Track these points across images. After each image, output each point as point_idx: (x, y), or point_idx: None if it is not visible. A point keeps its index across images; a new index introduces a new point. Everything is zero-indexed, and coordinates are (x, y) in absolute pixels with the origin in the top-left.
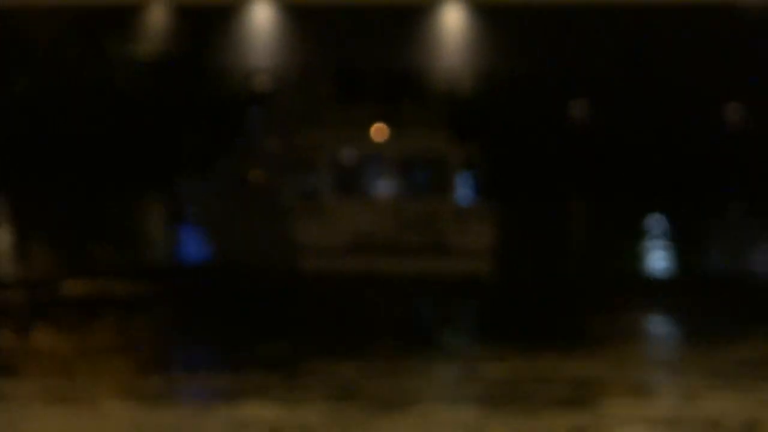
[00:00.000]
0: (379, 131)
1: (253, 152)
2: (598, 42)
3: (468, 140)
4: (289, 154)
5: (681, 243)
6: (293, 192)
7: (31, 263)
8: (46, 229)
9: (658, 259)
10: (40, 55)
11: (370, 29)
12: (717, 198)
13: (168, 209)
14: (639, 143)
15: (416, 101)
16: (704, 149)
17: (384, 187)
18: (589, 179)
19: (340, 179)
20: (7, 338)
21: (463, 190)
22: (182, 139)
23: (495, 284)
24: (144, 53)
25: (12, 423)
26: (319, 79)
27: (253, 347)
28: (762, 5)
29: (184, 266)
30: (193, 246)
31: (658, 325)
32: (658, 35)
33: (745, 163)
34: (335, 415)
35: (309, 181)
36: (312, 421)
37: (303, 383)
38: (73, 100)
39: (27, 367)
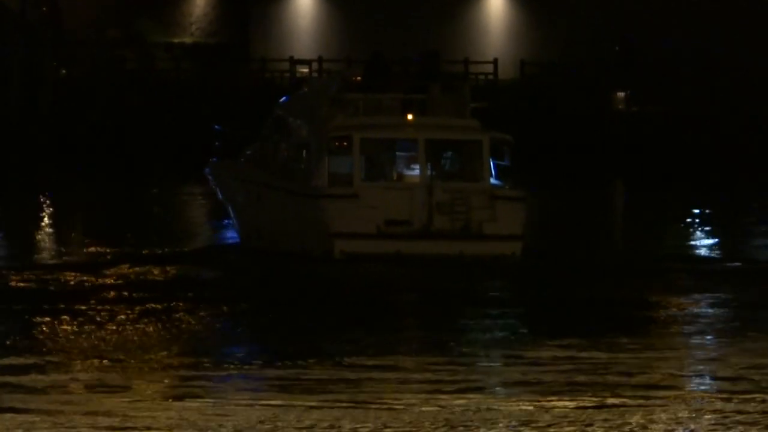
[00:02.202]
0: (411, 117)
1: (282, 136)
2: (641, 26)
3: (503, 125)
4: (320, 139)
5: (723, 229)
6: (325, 177)
7: (74, 248)
8: (88, 214)
9: (699, 246)
10: (81, 39)
11: (407, 17)
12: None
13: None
14: (685, 131)
15: (449, 87)
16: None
17: (415, 172)
18: (630, 166)
19: (371, 164)
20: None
21: (496, 176)
22: (216, 123)
23: (527, 266)
24: (184, 39)
25: None
26: (354, 65)
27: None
28: None
29: (219, 250)
30: (226, 230)
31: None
32: (706, 21)
33: None
34: None
35: (341, 166)
36: None
37: None
38: (112, 86)
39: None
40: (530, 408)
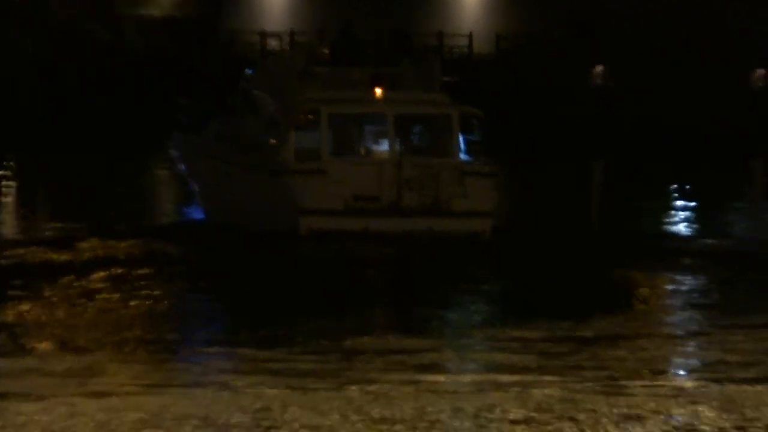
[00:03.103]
0: (380, 91)
1: (248, 110)
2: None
3: (477, 100)
4: (288, 113)
5: (703, 209)
6: (291, 152)
7: (36, 225)
8: (54, 190)
9: (676, 223)
10: (49, 15)
11: None
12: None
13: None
14: (660, 107)
15: (419, 61)
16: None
17: (384, 147)
18: (607, 142)
19: (339, 139)
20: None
21: (467, 151)
22: (181, 98)
23: (497, 243)
24: (154, 13)
25: None
26: (321, 40)
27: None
28: None
29: (184, 227)
30: (191, 206)
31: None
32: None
33: None
34: None
35: (308, 141)
36: None
37: None
38: (80, 60)
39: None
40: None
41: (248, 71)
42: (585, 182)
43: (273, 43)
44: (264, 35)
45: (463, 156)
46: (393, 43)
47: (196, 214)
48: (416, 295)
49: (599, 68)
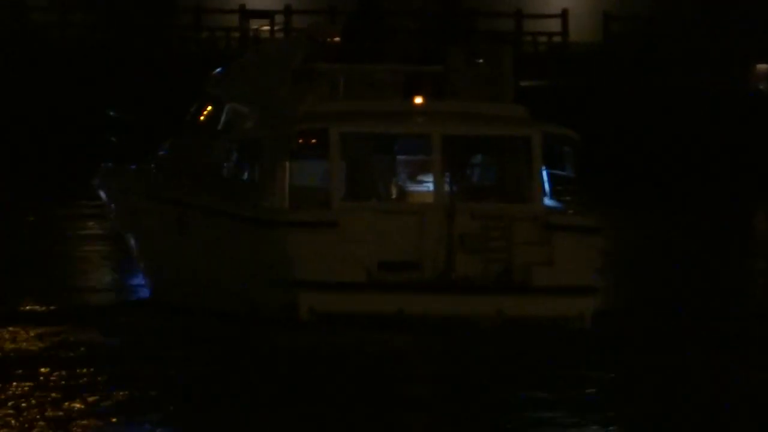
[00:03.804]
0: (420, 101)
1: (217, 129)
2: None
3: (572, 115)
4: (278, 134)
5: None
6: (285, 193)
7: None
8: None
9: None
10: None
11: None
12: None
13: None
14: None
15: (482, 54)
16: None
17: (427, 187)
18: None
19: (357, 174)
20: None
21: (554, 194)
22: (114, 109)
23: (602, 336)
24: None
25: None
26: (333, 21)
27: None
28: None
29: (116, 309)
30: (128, 276)
31: None
32: None
33: None
34: None
35: (310, 176)
36: None
37: None
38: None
39: None
40: None
41: (218, 71)
42: (744, 237)
43: (262, 27)
44: (246, 14)
45: (548, 201)
46: (441, 25)
47: (136, 288)
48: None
49: (763, 67)
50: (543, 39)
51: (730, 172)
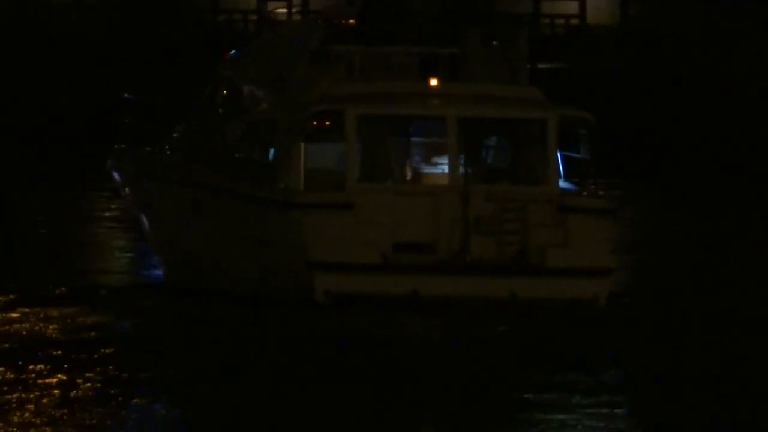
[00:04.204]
0: (436, 83)
1: (231, 112)
2: None
3: (587, 96)
4: (293, 116)
5: None
6: (300, 175)
7: None
8: None
9: None
10: None
11: None
12: None
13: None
14: None
15: (498, 36)
16: None
17: (442, 169)
18: None
19: (372, 156)
20: None
21: (569, 176)
22: (128, 92)
23: (618, 318)
24: None
25: None
26: (351, 3)
27: None
28: None
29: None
30: (142, 258)
31: None
32: None
33: None
34: None
35: (326, 159)
36: None
37: None
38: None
39: None
40: None
41: (232, 53)
42: (758, 227)
43: (279, 10)
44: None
45: (563, 183)
46: (457, 7)
47: (150, 270)
48: (493, 408)
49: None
50: (560, 21)
51: (749, 157)
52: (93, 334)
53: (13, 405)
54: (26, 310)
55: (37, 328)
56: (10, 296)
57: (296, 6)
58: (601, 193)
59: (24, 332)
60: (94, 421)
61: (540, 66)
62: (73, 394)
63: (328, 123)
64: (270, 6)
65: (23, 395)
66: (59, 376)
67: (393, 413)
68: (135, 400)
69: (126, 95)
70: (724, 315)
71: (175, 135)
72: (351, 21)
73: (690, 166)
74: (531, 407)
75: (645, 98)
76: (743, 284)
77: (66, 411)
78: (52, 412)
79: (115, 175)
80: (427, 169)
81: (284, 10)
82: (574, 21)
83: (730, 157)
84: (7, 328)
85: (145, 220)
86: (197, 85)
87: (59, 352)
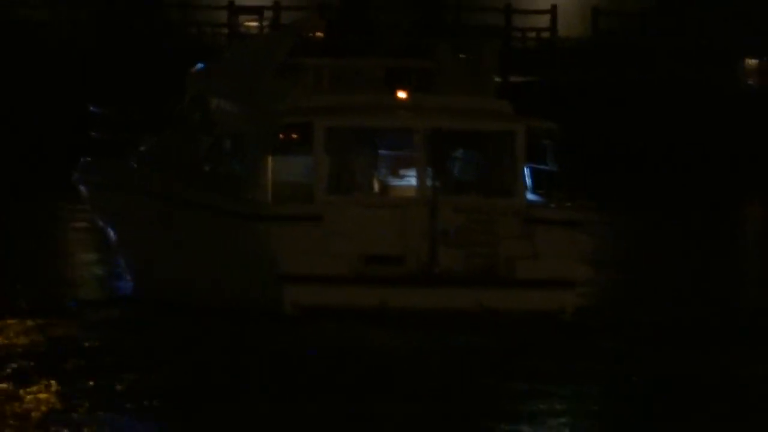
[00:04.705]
0: (404, 95)
1: (200, 125)
2: None
3: (557, 108)
4: (261, 129)
5: None
6: (268, 188)
7: None
8: None
9: None
10: None
11: None
12: None
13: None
14: None
15: (465, 47)
16: None
17: (410, 181)
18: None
19: (341, 168)
20: None
21: (537, 188)
22: (95, 105)
23: (585, 329)
24: None
25: None
26: (322, 15)
27: None
28: None
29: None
30: (110, 273)
31: None
32: None
33: None
34: None
35: (294, 171)
36: None
37: None
38: None
39: None
40: None
41: (200, 66)
42: (732, 236)
43: (250, 24)
44: (235, 10)
45: (531, 195)
46: (426, 19)
47: (118, 284)
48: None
49: (752, 62)
50: (532, 35)
51: (719, 167)
52: (60, 345)
53: None
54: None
55: (6, 340)
56: None
57: (267, 20)
58: (568, 204)
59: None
60: None
61: (512, 79)
62: (38, 406)
63: (296, 135)
64: (241, 19)
65: None
66: (26, 388)
67: (364, 423)
68: (99, 413)
69: (92, 108)
70: (694, 325)
71: (143, 148)
72: (319, 33)
73: (660, 177)
74: (508, 416)
75: (616, 110)
76: (711, 293)
77: (30, 423)
78: (16, 424)
79: (82, 188)
80: (396, 182)
81: (255, 24)
82: (545, 34)
83: (701, 166)
84: None
85: (112, 233)
86: (167, 98)
87: (26, 363)
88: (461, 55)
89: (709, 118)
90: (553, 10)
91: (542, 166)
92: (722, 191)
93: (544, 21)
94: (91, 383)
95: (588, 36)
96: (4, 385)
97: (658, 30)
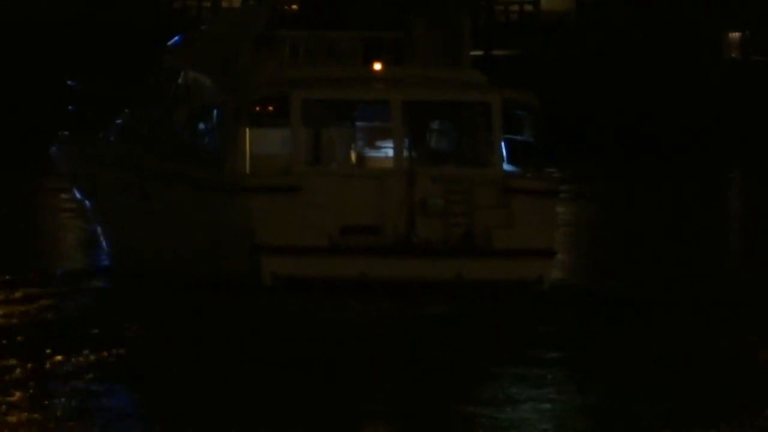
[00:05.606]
0: (380, 67)
1: (176, 98)
2: None
3: (541, 82)
4: (238, 101)
5: None
6: (246, 159)
7: None
8: None
9: None
10: None
11: None
12: None
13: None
14: None
15: (441, 20)
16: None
17: (387, 152)
18: (749, 147)
19: (318, 140)
20: None
21: (513, 158)
22: (73, 79)
23: (560, 299)
24: None
25: None
26: None
27: None
28: None
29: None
30: (89, 245)
31: None
32: None
33: None
34: None
35: (271, 143)
36: None
37: None
38: None
39: None
40: None
41: (175, 40)
42: (711, 207)
43: None
44: None
45: (507, 166)
46: None
47: (97, 257)
48: (439, 389)
49: (735, 36)
50: (515, 8)
51: (699, 138)
52: (44, 318)
53: None
54: None
55: None
56: None
57: None
58: (545, 174)
59: None
60: (45, 402)
61: (495, 53)
62: (32, 376)
63: (272, 107)
64: None
65: None
66: (13, 360)
67: (346, 393)
68: (93, 386)
69: (70, 82)
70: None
71: (120, 121)
72: (294, 6)
73: (640, 148)
74: (495, 381)
75: (599, 83)
76: (685, 263)
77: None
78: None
79: (59, 162)
80: (373, 153)
81: None
82: (528, 8)
83: (682, 137)
84: None
85: (91, 206)
86: (145, 71)
87: (12, 334)
88: (436, 29)
89: (691, 90)
90: None
91: (518, 137)
92: (702, 162)
93: None
94: (80, 357)
95: (572, 9)
96: None
97: (641, 3)
